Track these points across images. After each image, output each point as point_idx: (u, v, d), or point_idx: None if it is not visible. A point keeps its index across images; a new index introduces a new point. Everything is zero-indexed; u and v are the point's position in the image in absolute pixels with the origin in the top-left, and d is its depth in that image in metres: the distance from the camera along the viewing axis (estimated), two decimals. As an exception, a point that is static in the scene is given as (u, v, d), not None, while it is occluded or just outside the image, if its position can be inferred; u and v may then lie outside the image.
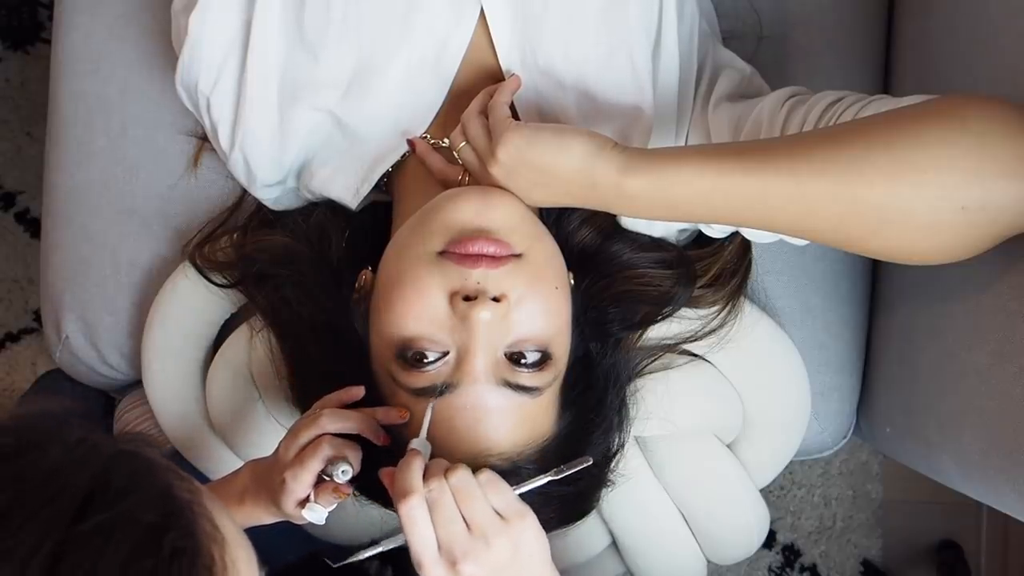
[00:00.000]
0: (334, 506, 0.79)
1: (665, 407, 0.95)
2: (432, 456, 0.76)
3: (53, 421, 0.49)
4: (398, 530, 0.74)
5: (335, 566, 0.81)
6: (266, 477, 0.82)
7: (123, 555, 0.44)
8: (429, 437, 0.76)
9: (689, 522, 1.04)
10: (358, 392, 0.82)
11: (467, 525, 0.72)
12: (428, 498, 0.71)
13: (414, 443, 0.76)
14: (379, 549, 0.76)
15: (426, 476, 0.72)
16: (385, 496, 0.81)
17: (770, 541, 1.57)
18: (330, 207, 0.95)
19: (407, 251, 0.80)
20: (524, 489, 0.75)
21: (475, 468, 0.74)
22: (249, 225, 0.99)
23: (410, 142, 0.89)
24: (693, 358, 0.99)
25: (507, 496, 0.73)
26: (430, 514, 0.71)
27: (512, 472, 0.77)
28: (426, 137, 0.90)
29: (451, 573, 0.72)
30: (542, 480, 0.76)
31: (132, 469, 0.48)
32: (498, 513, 0.73)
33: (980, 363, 0.83)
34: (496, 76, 0.90)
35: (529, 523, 0.74)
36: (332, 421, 0.79)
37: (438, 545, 0.72)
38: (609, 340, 0.89)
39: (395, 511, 0.73)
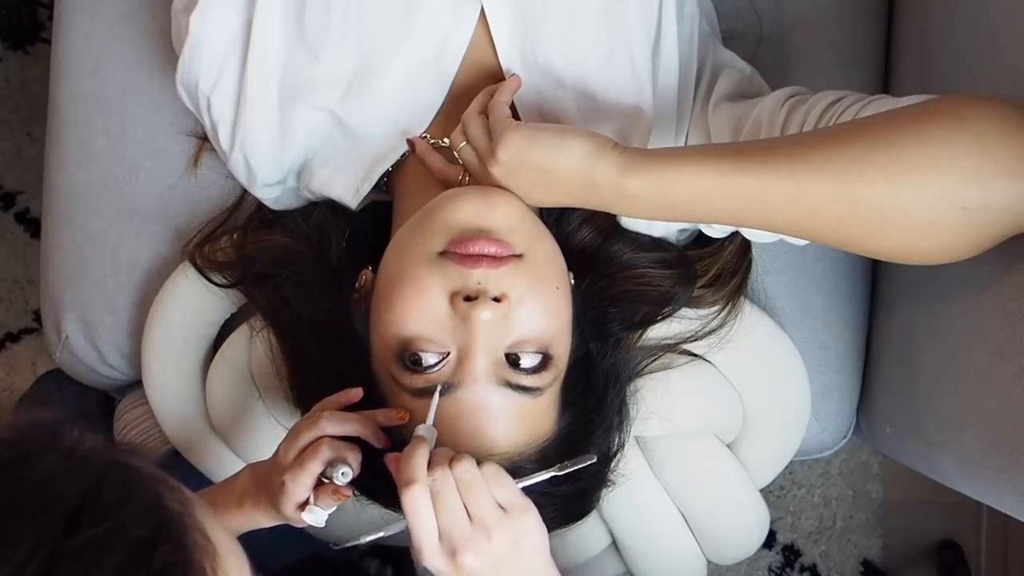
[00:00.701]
0: (333, 508, 0.79)
1: (665, 407, 0.95)
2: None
3: (48, 431, 0.49)
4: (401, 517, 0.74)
5: (335, 548, 0.81)
6: (266, 480, 0.82)
7: (113, 571, 0.44)
8: None
9: (689, 522, 1.04)
10: (357, 394, 0.81)
11: (469, 516, 0.72)
12: (431, 487, 0.71)
13: (420, 429, 0.75)
14: (380, 534, 0.76)
15: (430, 465, 0.72)
16: (385, 497, 0.81)
17: (770, 541, 1.57)
18: (330, 207, 0.95)
19: (407, 251, 0.80)
20: (527, 483, 0.75)
21: (479, 463, 0.74)
22: (249, 225, 0.99)
23: (410, 142, 0.89)
24: (693, 358, 0.99)
25: (510, 489, 0.73)
26: (433, 503, 0.71)
27: (513, 472, 0.76)
28: (426, 137, 0.90)
29: (451, 562, 0.72)
30: (545, 475, 0.76)
31: (123, 481, 0.47)
32: (500, 506, 0.72)
33: (980, 363, 0.83)
34: (496, 76, 0.90)
35: (531, 517, 0.74)
36: (332, 423, 0.79)
37: (439, 534, 0.72)
38: (609, 340, 0.89)
39: (396, 511, 0.73)
